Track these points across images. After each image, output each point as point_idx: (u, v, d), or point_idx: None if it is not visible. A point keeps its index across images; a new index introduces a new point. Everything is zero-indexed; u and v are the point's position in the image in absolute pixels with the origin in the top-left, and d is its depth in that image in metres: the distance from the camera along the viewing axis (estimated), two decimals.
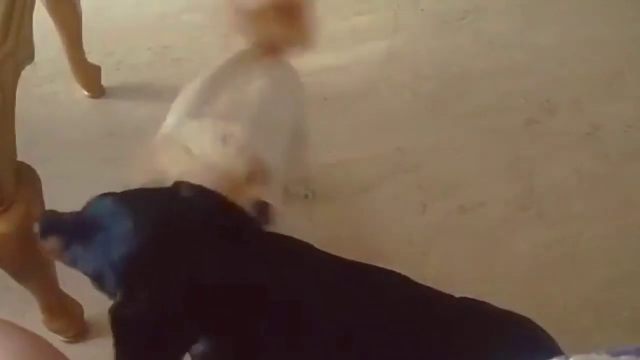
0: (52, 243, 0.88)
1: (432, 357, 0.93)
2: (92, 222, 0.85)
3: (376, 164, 1.68)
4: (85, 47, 1.71)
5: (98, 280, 0.85)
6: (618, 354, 0.63)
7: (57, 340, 1.36)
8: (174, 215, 0.86)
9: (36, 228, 0.89)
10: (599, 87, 1.91)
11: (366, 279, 0.99)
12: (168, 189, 0.92)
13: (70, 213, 0.90)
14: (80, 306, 1.35)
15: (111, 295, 0.85)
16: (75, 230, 0.87)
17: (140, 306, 0.80)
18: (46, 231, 0.89)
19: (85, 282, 1.44)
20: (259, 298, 0.86)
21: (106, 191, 0.90)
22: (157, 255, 0.82)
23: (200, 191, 0.91)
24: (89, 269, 0.86)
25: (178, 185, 0.91)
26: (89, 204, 0.89)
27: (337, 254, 1.00)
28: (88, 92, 1.79)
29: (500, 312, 1.02)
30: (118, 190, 0.91)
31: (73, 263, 0.88)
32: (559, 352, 0.89)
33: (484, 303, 1.03)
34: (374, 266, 1.00)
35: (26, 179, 1.08)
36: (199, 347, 0.94)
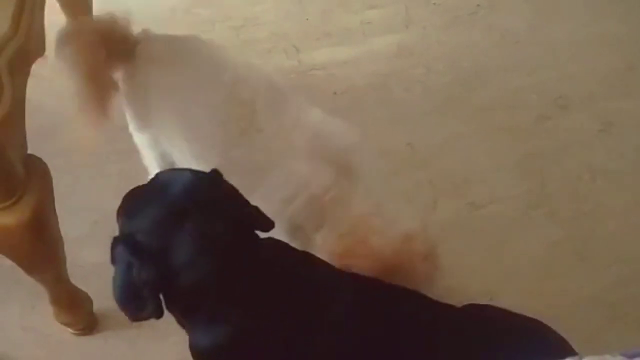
0: None
1: None
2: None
3: (386, 159, 1.67)
4: None
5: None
6: (633, 356, 0.62)
7: (66, 333, 1.36)
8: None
9: None
10: (613, 83, 1.89)
11: (373, 293, 0.98)
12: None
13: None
14: (89, 299, 1.35)
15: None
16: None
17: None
18: None
19: (94, 275, 1.44)
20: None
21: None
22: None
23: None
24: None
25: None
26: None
27: None
28: None
29: (511, 316, 1.01)
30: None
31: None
32: (572, 354, 0.89)
33: (493, 308, 1.02)
34: (379, 280, 0.99)
35: (36, 171, 1.08)
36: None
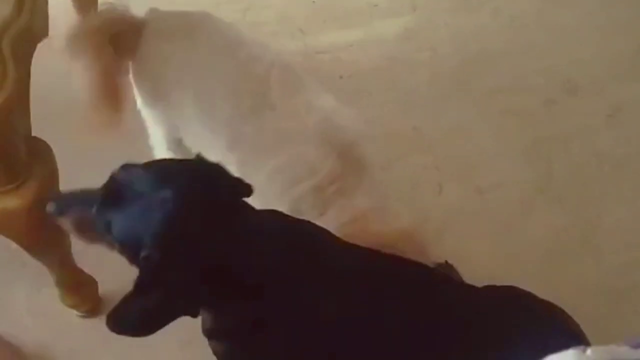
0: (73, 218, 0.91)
1: (458, 346, 0.92)
2: (125, 190, 0.86)
3: (392, 143, 1.66)
4: None
5: (130, 245, 0.86)
6: (638, 346, 0.62)
7: (72, 315, 1.37)
8: (200, 188, 0.87)
9: (51, 207, 0.91)
10: (621, 68, 1.87)
11: (380, 267, 0.97)
12: (189, 162, 0.93)
13: (87, 189, 0.92)
14: (95, 281, 1.36)
15: (134, 259, 0.86)
16: (106, 200, 0.87)
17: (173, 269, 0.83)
18: (64, 209, 0.91)
19: (100, 258, 1.44)
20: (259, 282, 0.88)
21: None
22: (190, 222, 0.84)
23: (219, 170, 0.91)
24: (123, 234, 0.86)
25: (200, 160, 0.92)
26: (117, 174, 0.90)
27: None
28: None
29: (536, 300, 1.00)
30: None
31: (104, 231, 0.88)
32: (586, 342, 0.89)
33: (516, 289, 1.02)
34: (391, 255, 0.99)
35: (41, 155, 1.08)
36: (206, 323, 0.96)
